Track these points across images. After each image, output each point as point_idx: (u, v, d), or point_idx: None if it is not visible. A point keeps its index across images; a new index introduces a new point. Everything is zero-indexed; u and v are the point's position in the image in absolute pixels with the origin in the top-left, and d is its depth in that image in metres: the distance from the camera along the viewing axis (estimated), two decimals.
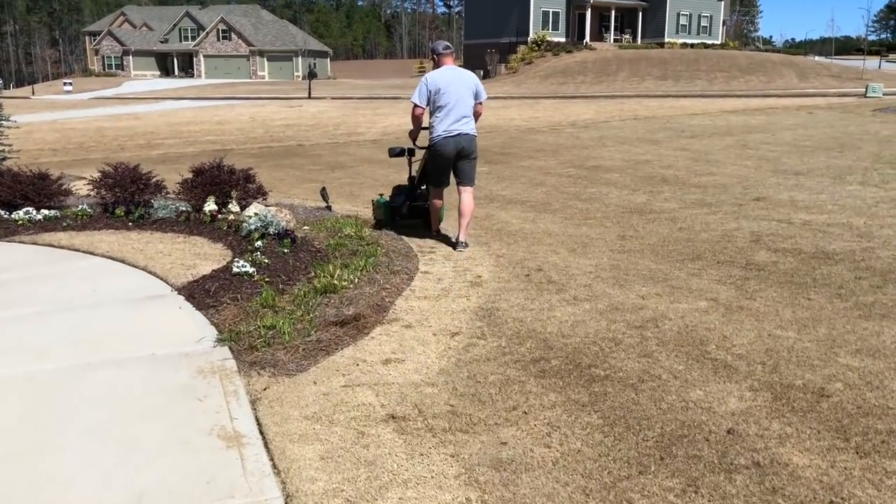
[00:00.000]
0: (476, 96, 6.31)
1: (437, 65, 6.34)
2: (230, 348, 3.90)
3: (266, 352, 3.81)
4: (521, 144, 15.64)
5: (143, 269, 5.60)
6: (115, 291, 5.01)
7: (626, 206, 8.46)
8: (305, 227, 7.25)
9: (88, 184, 8.31)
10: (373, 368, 3.66)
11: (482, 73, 53.25)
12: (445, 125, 6.18)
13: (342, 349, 3.90)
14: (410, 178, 7.39)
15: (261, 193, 8.08)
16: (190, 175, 8.09)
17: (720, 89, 38.06)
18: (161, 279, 5.32)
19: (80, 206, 7.16)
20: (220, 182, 7.75)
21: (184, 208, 7.24)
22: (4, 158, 11.59)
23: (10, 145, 11.51)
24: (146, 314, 4.55)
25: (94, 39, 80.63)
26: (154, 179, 8.31)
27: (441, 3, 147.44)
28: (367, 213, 8.17)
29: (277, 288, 4.96)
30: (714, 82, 41.85)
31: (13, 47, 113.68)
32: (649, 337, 4.08)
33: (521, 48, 53.06)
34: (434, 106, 6.19)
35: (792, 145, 14.06)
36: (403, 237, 6.89)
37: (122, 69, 76.59)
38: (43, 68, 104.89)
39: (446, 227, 7.19)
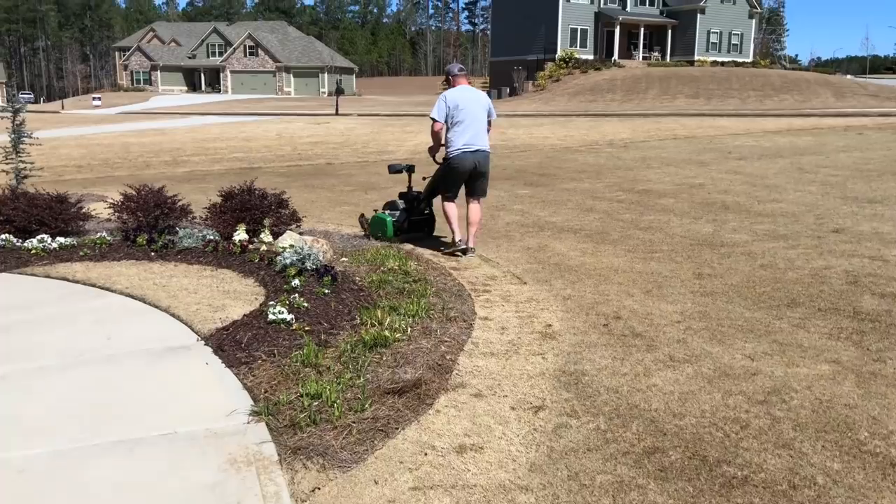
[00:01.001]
0: (488, 114, 6.76)
1: (451, 85, 6.69)
2: (268, 425, 3.19)
3: (312, 432, 3.10)
4: (559, 165, 14.92)
5: (166, 310, 4.94)
6: (132, 340, 4.34)
7: (692, 237, 7.69)
8: (344, 259, 6.58)
9: (110, 207, 7.72)
10: (445, 459, 2.92)
11: (508, 90, 52.78)
12: (464, 140, 6.52)
13: (404, 428, 3.17)
14: (409, 192, 7.63)
15: (294, 220, 7.42)
16: (218, 199, 7.47)
17: (754, 108, 37.10)
18: (185, 324, 4.65)
19: (99, 234, 6.54)
20: (250, 207, 7.11)
21: (211, 237, 6.59)
22: (26, 176, 11.07)
23: (31, 162, 10.99)
24: (167, 372, 3.86)
25: (124, 55, 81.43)
26: (179, 203, 7.70)
27: (466, 21, 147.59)
28: (410, 246, 7.48)
29: (319, 339, 4.26)
30: (747, 101, 40.87)
31: (45, 63, 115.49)
32: (780, 417, 3.31)
33: (549, 65, 52.44)
34: (451, 122, 6.52)
35: (853, 169, 13.17)
36: (450, 271, 6.19)
37: (151, 84, 77.17)
38: (73, 83, 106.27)
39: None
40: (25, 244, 6.26)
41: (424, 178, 7.46)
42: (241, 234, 6.44)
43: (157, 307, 5.00)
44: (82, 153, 19.06)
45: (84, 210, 7.51)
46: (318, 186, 12.40)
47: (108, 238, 6.54)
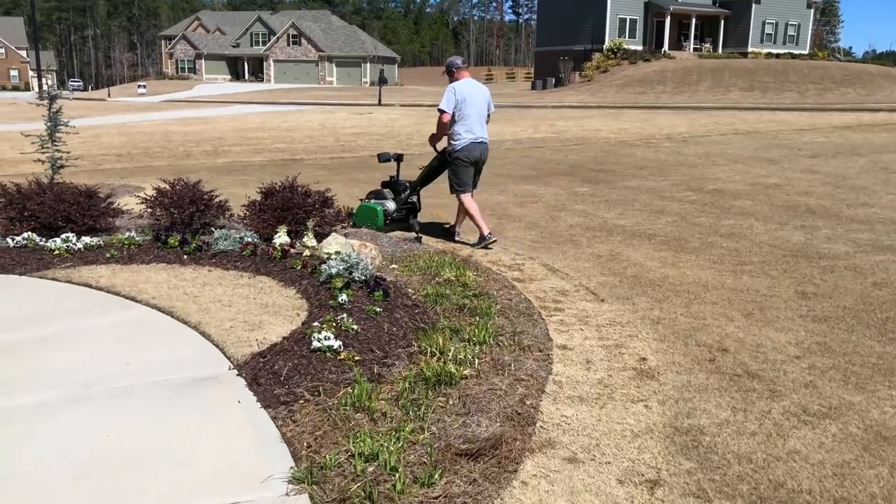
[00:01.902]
0: (488, 107, 6.88)
1: (454, 77, 6.72)
2: (311, 497, 2.51)
3: None
4: (617, 160, 14.03)
5: (195, 327, 4.30)
6: (154, 366, 3.71)
7: (782, 247, 6.82)
8: (394, 267, 5.89)
9: (142, 202, 7.17)
10: None
11: (554, 80, 51.62)
12: (472, 132, 6.63)
13: None
14: (395, 181, 7.60)
15: (339, 220, 6.77)
16: (258, 196, 6.85)
17: (815, 102, 35.44)
18: (217, 346, 4.00)
19: (128, 234, 5.96)
20: (292, 206, 6.47)
21: (249, 238, 5.96)
22: (62, 166, 10.63)
23: (68, 152, 10.55)
24: (191, 414, 3.21)
25: (169, 43, 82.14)
26: (217, 199, 7.10)
27: (510, 11, 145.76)
28: (466, 249, 6.76)
29: (372, 372, 3.57)
30: (806, 94, 39.12)
31: (94, 51, 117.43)
32: None
33: (596, 56, 51.08)
34: (459, 115, 6.58)
35: None
36: (513, 282, 5.45)
37: (195, 72, 77.70)
38: (121, 71, 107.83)
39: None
40: (48, 244, 5.70)
41: (421, 168, 7.49)
42: (281, 237, 5.79)
43: (186, 323, 4.37)
44: (123, 141, 18.74)
45: (115, 205, 6.96)
46: (362, 181, 11.74)
47: (138, 238, 5.95)
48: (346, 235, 6.84)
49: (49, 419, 3.10)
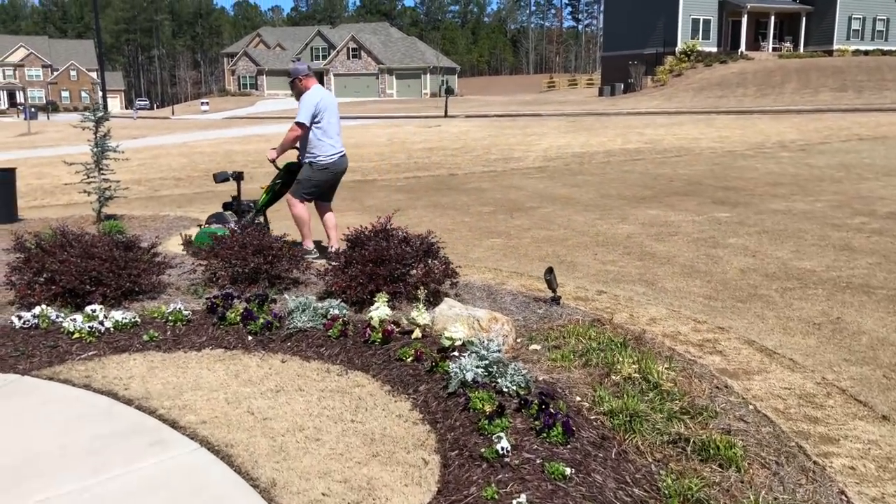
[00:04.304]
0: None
1: (301, 86, 6.28)
2: None
3: None
4: (739, 175, 12.02)
5: (266, 490, 2.65)
6: None
7: None
8: (535, 348, 4.17)
9: (194, 254, 5.65)
10: None
11: (623, 86, 49.31)
12: (337, 143, 6.30)
13: None
14: (238, 202, 6.95)
15: (448, 275, 5.07)
16: (343, 245, 5.22)
17: None
18: None
19: (174, 307, 4.37)
20: (387, 259, 4.82)
21: (335, 310, 4.31)
22: (110, 197, 9.28)
23: (117, 181, 9.21)
24: None
25: (231, 60, 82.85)
26: (285, 242, 5.51)
27: (569, 17, 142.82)
28: (623, 313, 4.97)
29: None
30: None
31: (159, 70, 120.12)
32: None
33: (669, 59, 48.56)
34: (321, 125, 6.16)
35: None
36: (722, 377, 3.63)
37: (257, 88, 78.03)
38: (185, 89, 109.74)
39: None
40: (66, 323, 4.16)
41: (262, 188, 6.83)
42: (380, 310, 4.12)
43: (252, 482, 2.72)
44: (183, 163, 17.60)
45: (160, 257, 5.43)
46: (447, 206, 10.08)
47: (186, 312, 4.36)
48: (456, 295, 5.14)
49: None
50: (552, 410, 2.98)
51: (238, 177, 7.01)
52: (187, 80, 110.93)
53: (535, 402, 3.04)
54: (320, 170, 6.26)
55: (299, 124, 6.08)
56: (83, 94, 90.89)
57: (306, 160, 6.27)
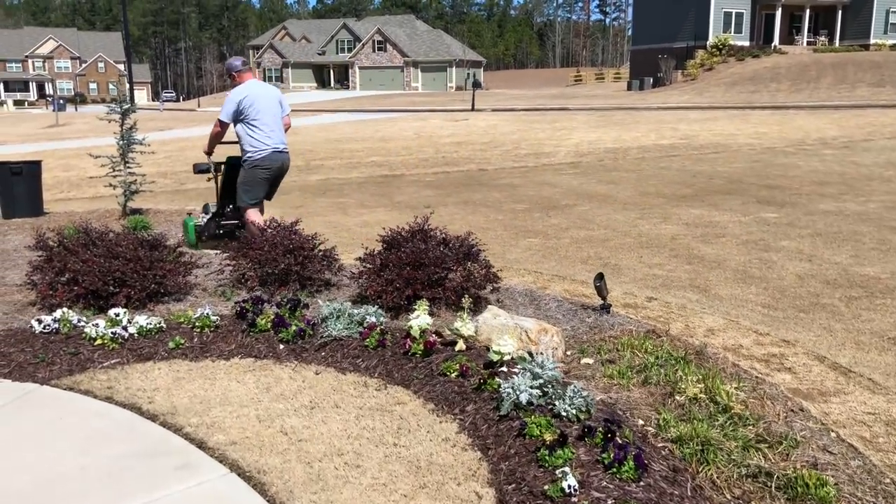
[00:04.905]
0: (283, 109, 6.24)
1: (236, 81, 6.08)
2: None
3: None
4: (782, 173, 11.56)
5: None
6: None
7: None
8: (588, 362, 3.86)
9: (223, 251, 5.40)
10: None
11: (652, 80, 48.55)
12: (272, 140, 6.04)
13: None
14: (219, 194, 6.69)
15: (489, 280, 4.77)
16: (378, 246, 4.94)
17: None
18: None
19: (202, 312, 4.12)
20: (425, 263, 4.53)
21: (372, 317, 4.03)
22: (136, 192, 9.09)
23: (143, 175, 9.01)
24: None
25: (257, 53, 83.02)
26: (319, 247, 5.25)
27: (596, 10, 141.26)
28: (678, 322, 4.63)
29: None
30: None
31: (186, 62, 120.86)
32: None
33: (699, 53, 47.66)
34: (249, 121, 5.95)
35: None
36: (796, 398, 3.30)
37: (282, 81, 78.11)
38: (211, 82, 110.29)
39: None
40: (88, 329, 3.92)
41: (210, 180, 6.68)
42: (420, 319, 3.83)
43: None
44: None
45: (187, 256, 5.19)
46: (479, 203, 9.77)
47: (214, 318, 4.10)
48: (498, 301, 4.84)
49: None
50: (620, 441, 2.67)
51: (218, 168, 6.60)
52: (213, 73, 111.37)
53: (600, 429, 2.73)
54: (251, 168, 6.04)
55: (220, 121, 5.96)
56: (111, 85, 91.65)
57: (242, 160, 6.09)
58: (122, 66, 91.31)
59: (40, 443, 3.00)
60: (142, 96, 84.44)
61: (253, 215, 6.04)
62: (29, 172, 9.25)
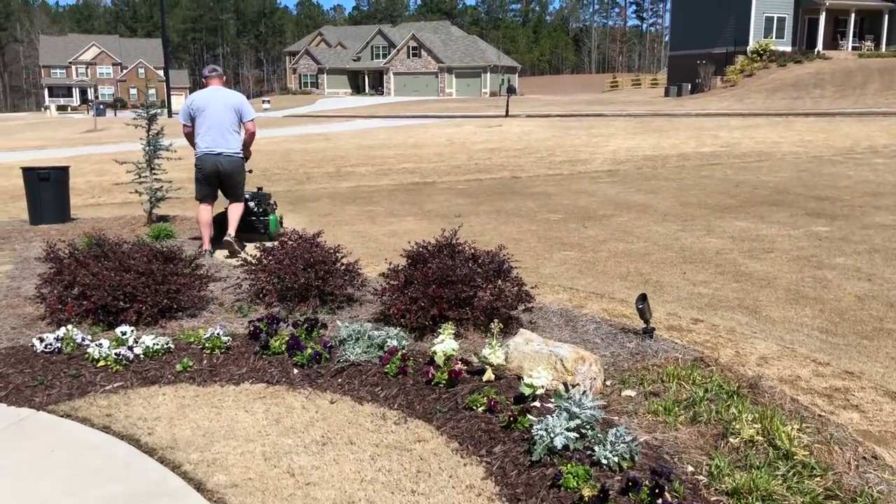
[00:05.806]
0: (240, 116, 6.67)
1: (204, 87, 6.76)
2: None
3: None
4: (830, 182, 11.01)
5: None
6: None
7: None
8: (629, 395, 3.51)
9: (241, 264, 5.15)
10: None
11: (690, 86, 47.68)
12: (205, 143, 6.53)
13: None
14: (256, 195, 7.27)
15: (521, 300, 4.43)
16: (402, 260, 4.65)
17: None
18: None
19: (212, 332, 3.86)
20: (453, 280, 4.21)
21: (394, 341, 3.73)
22: (162, 198, 8.95)
23: (169, 181, 8.86)
24: None
25: (293, 59, 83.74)
26: (342, 261, 4.97)
27: (633, 16, 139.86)
28: (727, 349, 4.24)
29: None
30: None
31: (224, 68, 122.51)
32: None
33: (740, 59, 46.66)
34: (196, 124, 6.55)
35: None
36: (854, 433, 2.91)
37: (317, 87, 78.61)
38: (247, 87, 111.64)
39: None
40: (91, 349, 3.68)
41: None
42: (445, 345, 3.52)
43: None
44: None
45: (203, 270, 4.95)
46: (512, 212, 9.42)
47: (224, 339, 3.83)
48: (530, 322, 4.51)
49: None
50: (669, 497, 2.32)
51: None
52: (250, 79, 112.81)
53: (646, 483, 2.38)
54: (195, 166, 6.70)
55: (181, 122, 6.73)
56: (149, 90, 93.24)
57: None
58: (161, 72, 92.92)
59: (23, 479, 2.74)
60: (180, 101, 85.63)
61: (200, 211, 6.73)
62: (56, 178, 9.16)
